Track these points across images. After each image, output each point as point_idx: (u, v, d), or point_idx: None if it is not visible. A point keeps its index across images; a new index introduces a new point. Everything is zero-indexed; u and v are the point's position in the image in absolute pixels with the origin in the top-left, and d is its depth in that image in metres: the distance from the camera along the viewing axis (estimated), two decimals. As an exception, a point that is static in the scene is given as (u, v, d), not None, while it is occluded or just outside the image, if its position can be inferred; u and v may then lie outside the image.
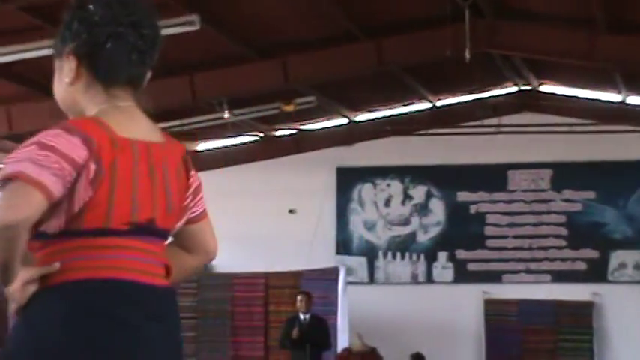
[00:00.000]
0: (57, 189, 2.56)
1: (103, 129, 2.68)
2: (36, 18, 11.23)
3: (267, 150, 18.45)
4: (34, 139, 2.68)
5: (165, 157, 2.79)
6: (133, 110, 2.82)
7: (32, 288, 2.61)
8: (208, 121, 15.63)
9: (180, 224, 2.86)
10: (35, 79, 13.70)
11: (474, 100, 17.24)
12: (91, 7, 2.76)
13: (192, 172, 2.89)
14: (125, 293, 2.66)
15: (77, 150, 2.61)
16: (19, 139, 15.88)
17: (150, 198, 2.71)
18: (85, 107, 2.81)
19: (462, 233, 18.13)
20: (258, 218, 18.51)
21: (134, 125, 2.78)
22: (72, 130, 2.67)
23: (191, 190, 2.87)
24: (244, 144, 18.48)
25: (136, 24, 2.76)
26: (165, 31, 10.06)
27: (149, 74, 2.93)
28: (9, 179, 2.55)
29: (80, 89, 2.82)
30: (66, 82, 2.84)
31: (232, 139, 18.15)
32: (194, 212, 2.92)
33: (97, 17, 2.74)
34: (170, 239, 2.90)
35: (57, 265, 2.61)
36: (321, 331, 14.31)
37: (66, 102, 2.90)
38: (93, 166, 2.61)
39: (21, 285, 2.60)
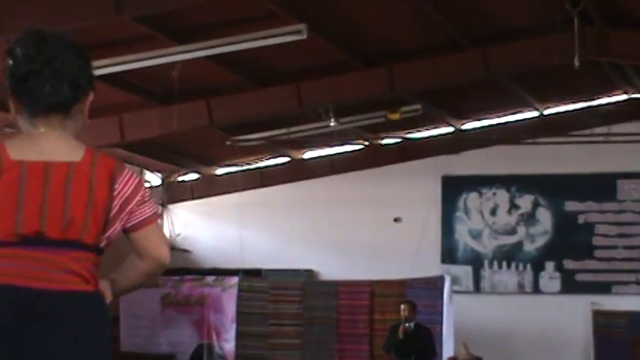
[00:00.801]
0: None
1: None
2: (149, 28, 11.46)
3: (373, 158, 18.47)
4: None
5: (71, 175, 3.08)
6: (45, 135, 3.12)
7: None
8: (314, 129, 15.72)
9: (112, 233, 3.14)
10: (146, 88, 13.98)
11: (582, 108, 17.00)
12: (16, 49, 3.12)
13: (122, 185, 3.14)
14: (3, 297, 3.01)
15: None
16: (130, 147, 16.24)
17: (37, 212, 3.02)
18: (18, 135, 3.19)
19: (570, 243, 17.88)
20: (363, 226, 18.54)
21: (36, 148, 3.10)
22: None
23: (117, 201, 3.12)
24: (350, 152, 18.54)
25: (50, 60, 3.09)
26: (272, 40, 10.15)
27: (87, 96, 3.28)
28: None
29: (19, 120, 3.19)
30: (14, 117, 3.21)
31: (338, 147, 18.21)
32: (131, 221, 3.17)
33: (18, 58, 3.11)
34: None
35: None
36: (425, 339, 14.26)
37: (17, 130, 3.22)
38: None
39: None
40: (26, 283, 3.02)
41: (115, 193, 3.13)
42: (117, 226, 3.14)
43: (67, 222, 3.05)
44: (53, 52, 3.12)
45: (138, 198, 3.18)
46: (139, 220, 3.18)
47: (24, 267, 3.03)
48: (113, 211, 3.11)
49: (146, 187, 3.27)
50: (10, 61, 3.13)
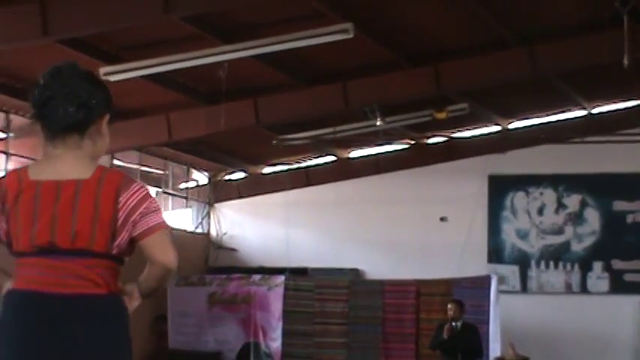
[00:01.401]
0: None
1: (16, 175, 3.53)
2: (196, 27, 11.53)
3: (419, 157, 18.44)
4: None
5: (78, 191, 3.45)
6: (61, 155, 3.51)
7: None
8: (360, 128, 15.72)
9: (120, 242, 3.48)
10: (193, 87, 14.07)
11: (631, 107, 16.85)
12: (40, 81, 3.59)
13: (126, 199, 3.47)
14: (19, 299, 3.46)
15: None
16: (177, 146, 16.36)
17: (49, 225, 3.43)
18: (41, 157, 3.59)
19: (618, 243, 17.74)
20: (409, 226, 18.52)
21: (51, 169, 3.50)
22: None
23: (121, 213, 3.45)
24: (396, 151, 18.52)
25: (62, 87, 3.51)
26: (319, 40, 10.16)
27: (101, 118, 3.59)
28: None
29: (42, 143, 3.58)
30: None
31: (384, 146, 18.20)
32: (136, 230, 3.49)
33: (39, 87, 3.57)
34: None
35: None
36: (472, 338, 14.21)
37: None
38: None
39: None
40: (43, 288, 3.44)
41: (119, 205, 3.45)
42: (124, 235, 3.47)
43: (74, 233, 3.42)
44: (65, 80, 3.52)
45: (141, 209, 3.48)
46: (143, 229, 3.48)
47: (40, 274, 3.45)
48: (119, 222, 3.45)
49: (152, 199, 3.54)
50: (35, 92, 3.58)
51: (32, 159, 14.70)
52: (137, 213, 3.47)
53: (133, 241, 3.51)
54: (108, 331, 3.48)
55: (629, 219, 17.81)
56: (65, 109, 3.48)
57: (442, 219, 18.54)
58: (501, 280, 16.92)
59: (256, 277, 16.92)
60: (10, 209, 3.47)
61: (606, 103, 17.05)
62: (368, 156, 18.78)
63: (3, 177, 3.57)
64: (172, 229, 18.10)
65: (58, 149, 3.51)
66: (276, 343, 16.23)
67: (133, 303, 3.64)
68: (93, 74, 3.64)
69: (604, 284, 17.85)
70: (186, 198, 19.04)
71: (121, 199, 3.45)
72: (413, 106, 15.21)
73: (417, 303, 16.19)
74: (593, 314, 17.62)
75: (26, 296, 3.45)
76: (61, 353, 3.40)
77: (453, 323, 14.08)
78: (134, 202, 3.47)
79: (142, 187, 3.53)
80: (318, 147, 17.98)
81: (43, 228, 3.43)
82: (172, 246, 3.56)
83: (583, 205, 18.11)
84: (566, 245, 18.12)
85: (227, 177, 19.42)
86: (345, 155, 18.83)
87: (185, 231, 18.59)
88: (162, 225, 3.53)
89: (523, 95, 15.91)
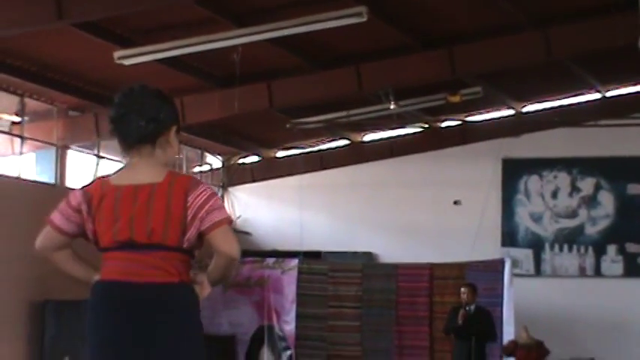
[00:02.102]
0: (65, 225, 4.11)
1: (100, 182, 4.06)
2: (210, 11, 11.54)
3: (433, 141, 18.43)
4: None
5: (152, 193, 3.94)
6: (136, 164, 4.01)
7: None
8: (374, 111, 15.72)
9: (190, 236, 3.94)
10: (207, 71, 14.08)
11: (645, 90, 16.82)
12: (114, 100, 4.08)
13: (193, 198, 3.93)
14: (104, 288, 4.00)
15: (75, 197, 4.05)
16: (191, 129, 16.38)
17: (128, 224, 3.93)
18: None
19: (633, 226, 17.72)
20: (423, 209, 18.54)
21: (129, 175, 4.00)
22: (82, 188, 4.08)
23: (190, 212, 3.92)
24: (410, 135, 18.51)
25: (134, 104, 4.02)
26: (333, 23, 10.15)
27: (169, 130, 4.04)
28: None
29: (120, 152, 4.08)
30: None
31: (398, 129, 18.20)
32: (203, 225, 3.93)
33: (115, 106, 4.06)
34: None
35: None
36: (486, 322, 14.22)
37: None
38: (84, 207, 4.01)
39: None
40: (123, 278, 3.95)
41: (188, 204, 3.92)
42: (193, 231, 3.93)
43: (149, 230, 3.92)
44: (136, 98, 4.04)
45: (207, 207, 3.92)
46: (209, 224, 3.92)
47: (121, 266, 3.96)
48: (188, 219, 3.92)
49: (217, 198, 3.99)
50: (111, 110, 4.07)
51: (47, 142, 14.79)
52: (203, 210, 3.91)
53: (201, 236, 3.95)
54: (180, 314, 3.95)
55: (644, 202, 17.79)
56: (138, 124, 3.97)
57: (456, 202, 18.54)
58: (515, 263, 16.91)
59: (270, 260, 16.94)
60: (95, 212, 4.00)
61: (620, 86, 17.01)
62: (382, 139, 18.78)
63: (89, 184, 4.09)
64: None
65: (134, 158, 4.00)
66: (289, 326, 16.27)
67: (204, 291, 4.05)
68: (161, 92, 4.14)
69: (618, 268, 17.84)
70: (200, 182, 19.07)
71: (189, 198, 3.92)
72: (427, 90, 15.19)
73: (431, 286, 16.20)
74: (607, 297, 17.61)
75: (110, 285, 3.97)
76: (140, 334, 3.90)
77: (467, 308, 14.10)
78: (201, 200, 3.92)
79: (207, 187, 3.99)
80: (332, 131, 17.99)
81: (124, 226, 3.93)
82: (235, 238, 3.97)
83: (597, 188, 18.08)
84: (580, 228, 18.11)
85: (241, 161, 19.45)
86: (359, 139, 18.84)
87: (199, 214, 18.61)
88: (226, 220, 3.95)
89: (537, 78, 15.88)
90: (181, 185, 3.95)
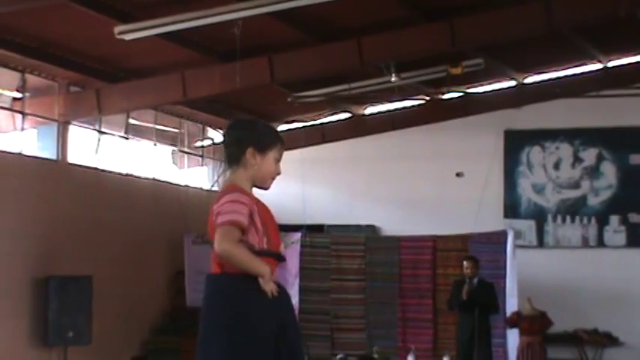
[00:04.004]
0: (245, 222, 4.68)
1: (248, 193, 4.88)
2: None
3: (435, 113, 18.41)
4: (230, 197, 4.78)
5: (214, 201, 4.79)
6: (228, 178, 4.95)
7: None
8: (375, 84, 15.70)
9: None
10: (208, 45, 14.05)
11: (647, 60, 16.77)
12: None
13: (216, 207, 4.73)
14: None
15: (247, 200, 4.76)
16: (192, 104, 16.36)
17: (208, 225, 4.77)
18: (242, 184, 4.91)
19: (635, 196, 17.72)
20: (425, 181, 18.54)
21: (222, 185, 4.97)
22: (245, 192, 4.83)
23: (213, 216, 4.72)
24: (411, 107, 18.49)
25: (229, 135, 5.11)
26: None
27: (246, 152, 4.93)
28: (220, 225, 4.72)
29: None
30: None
31: (399, 102, 18.17)
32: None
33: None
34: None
35: None
36: (489, 294, 14.25)
37: None
38: (255, 207, 4.78)
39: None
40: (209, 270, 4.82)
41: (216, 212, 4.71)
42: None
43: (209, 231, 4.74)
44: (230, 129, 5.08)
45: (217, 212, 4.71)
46: (217, 227, 4.69)
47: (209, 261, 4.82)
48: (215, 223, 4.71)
49: (226, 205, 4.71)
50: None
51: (48, 118, 14.78)
52: (216, 215, 4.70)
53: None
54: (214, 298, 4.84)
55: (646, 172, 17.79)
56: (225, 151, 4.99)
57: (458, 174, 18.54)
58: (518, 234, 16.92)
59: (273, 234, 16.95)
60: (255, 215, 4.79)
61: (622, 57, 16.96)
62: (383, 112, 18.76)
63: (244, 192, 4.87)
64: (188, 187, 18.17)
65: (227, 174, 4.93)
66: (293, 299, 16.28)
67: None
68: (244, 121, 5.28)
69: (621, 238, 17.86)
70: (201, 156, 19.08)
71: (214, 207, 4.73)
72: (428, 62, 15.16)
73: (434, 258, 16.22)
74: (610, 268, 17.64)
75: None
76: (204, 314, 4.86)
77: (470, 282, 14.11)
78: (217, 208, 4.71)
79: (229, 197, 4.74)
80: (334, 104, 17.96)
81: (208, 227, 4.77)
82: (224, 237, 4.59)
83: (599, 159, 18.08)
84: (583, 199, 18.12)
85: (242, 135, 19.41)
86: (361, 112, 18.82)
87: (201, 189, 18.65)
88: (226, 222, 4.62)
89: (538, 49, 15.83)
90: (219, 195, 4.81)
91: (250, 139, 4.92)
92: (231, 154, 4.94)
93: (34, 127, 15.06)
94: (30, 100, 14.61)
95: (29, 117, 14.61)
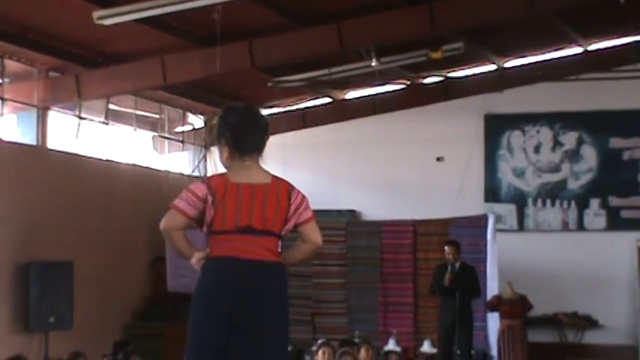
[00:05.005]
0: (189, 210, 5.10)
1: (221, 178, 5.15)
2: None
3: (415, 98, 18.41)
4: (188, 186, 5.18)
5: (266, 191, 5.12)
6: (250, 166, 5.19)
7: (202, 261, 5.15)
8: (356, 69, 15.68)
9: (288, 227, 5.15)
10: (187, 31, 13.99)
11: (627, 43, 16.79)
12: (229, 119, 5.24)
13: (294, 198, 5.17)
14: (226, 263, 5.09)
15: (201, 190, 5.10)
16: (172, 89, 16.31)
17: (248, 213, 5.07)
18: (230, 167, 5.20)
19: (615, 180, 17.79)
20: (406, 166, 18.55)
21: (246, 175, 5.15)
22: (204, 181, 5.16)
23: (292, 207, 5.15)
24: (392, 92, 18.47)
25: (254, 122, 5.28)
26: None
27: (267, 141, 5.29)
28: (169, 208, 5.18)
29: (229, 159, 5.22)
30: (223, 158, 5.24)
31: (380, 87, 18.16)
32: (299, 220, 5.18)
33: (236, 124, 5.21)
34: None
35: (207, 249, 5.15)
36: (470, 278, 14.31)
37: (224, 165, 5.25)
38: (210, 198, 5.06)
39: (197, 260, 5.15)
40: (241, 255, 5.06)
41: (291, 202, 5.14)
42: (291, 222, 5.15)
43: (265, 219, 5.08)
44: (254, 116, 5.32)
45: (303, 205, 5.19)
46: (304, 218, 5.18)
47: (239, 246, 5.06)
48: (289, 213, 5.13)
49: (305, 197, 5.21)
50: (228, 126, 5.20)
51: (28, 104, 14.70)
52: (301, 207, 5.16)
53: (295, 227, 5.16)
54: (280, 285, 5.15)
55: (626, 156, 17.83)
56: (260, 136, 5.23)
57: (439, 159, 18.56)
58: (498, 218, 16.98)
59: (254, 219, 16.93)
60: (219, 202, 5.05)
61: (603, 40, 16.99)
62: (364, 97, 18.74)
63: (210, 180, 5.16)
64: (169, 173, 18.14)
65: (247, 162, 5.16)
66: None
67: None
68: (262, 113, 5.42)
69: (601, 221, 17.93)
70: (182, 142, 19.02)
71: (292, 197, 5.15)
72: (408, 46, 15.14)
73: (415, 243, 16.27)
74: (590, 251, 17.71)
75: (229, 260, 5.06)
76: (254, 298, 5.02)
77: (452, 268, 14.15)
78: (299, 200, 5.17)
79: (299, 190, 5.22)
80: (314, 89, 17.94)
81: (245, 215, 5.05)
82: (319, 230, 5.21)
83: (579, 142, 18.13)
84: (563, 183, 18.17)
85: (223, 120, 19.37)
86: (341, 96, 18.80)
87: (182, 174, 18.61)
88: (314, 217, 5.22)
89: (519, 33, 15.84)
90: (285, 186, 5.19)
91: (269, 128, 5.36)
92: (263, 142, 5.29)
93: (14, 113, 14.99)
94: (9, 86, 14.53)
95: (8, 102, 14.53)
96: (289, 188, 5.19)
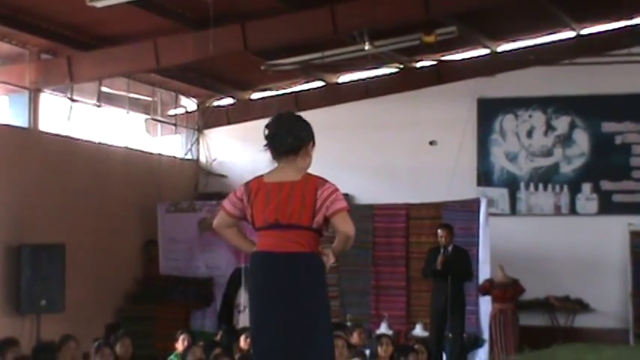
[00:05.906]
0: (232, 210, 5.67)
1: (258, 179, 5.66)
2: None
3: (408, 81, 18.39)
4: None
5: (292, 187, 5.52)
6: (284, 167, 5.62)
7: None
8: (349, 52, 15.66)
9: (318, 219, 5.51)
10: (180, 13, 13.96)
11: (620, 28, 16.79)
12: (266, 126, 5.72)
13: (321, 192, 5.49)
14: (261, 256, 5.60)
15: (240, 190, 5.68)
16: (166, 72, 16.27)
17: (274, 209, 5.50)
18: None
19: (607, 164, 17.81)
20: (399, 150, 18.55)
21: (277, 175, 5.61)
22: (245, 184, 5.70)
23: (319, 202, 5.49)
24: (385, 76, 18.46)
25: (283, 126, 5.65)
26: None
27: (307, 144, 5.68)
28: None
29: (272, 161, 5.68)
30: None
31: (373, 70, 18.14)
32: (328, 212, 5.50)
33: (269, 128, 5.69)
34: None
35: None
36: (463, 262, 14.33)
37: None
38: (245, 197, 5.61)
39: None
40: (272, 249, 5.52)
41: (317, 196, 5.48)
42: (320, 215, 5.49)
43: (289, 214, 5.47)
44: (284, 122, 5.68)
45: (331, 198, 5.49)
46: (332, 211, 5.49)
47: (271, 240, 5.52)
48: (317, 207, 5.47)
49: (338, 192, 5.52)
50: (265, 133, 5.67)
51: (20, 86, 14.67)
52: (329, 200, 5.47)
53: (326, 220, 5.50)
54: (312, 274, 5.55)
55: (618, 140, 17.85)
56: (286, 141, 5.58)
57: (431, 143, 18.56)
58: (491, 202, 16.98)
59: (247, 202, 16.92)
60: (252, 201, 5.56)
61: (595, 24, 16.99)
62: (357, 80, 18.73)
63: (251, 181, 5.65)
64: (161, 155, 18.12)
65: (282, 163, 5.62)
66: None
67: (330, 260, 5.65)
68: (300, 116, 5.73)
69: (593, 205, 17.95)
70: (175, 125, 19.00)
71: (318, 192, 5.48)
72: (402, 30, 15.12)
73: (407, 226, 16.26)
74: (582, 235, 17.74)
75: (263, 254, 5.55)
76: (287, 288, 5.47)
77: (445, 251, 14.17)
78: (326, 193, 5.48)
79: (332, 184, 5.54)
80: (307, 72, 17.92)
81: (271, 211, 5.49)
82: (351, 221, 5.54)
83: (572, 126, 18.13)
84: (555, 167, 18.18)
85: (216, 103, 19.37)
86: (334, 80, 18.78)
87: (174, 157, 18.59)
88: (344, 208, 5.53)
89: (512, 17, 15.83)
90: (313, 183, 5.52)
91: (310, 133, 5.69)
92: (295, 145, 5.58)
93: (5, 95, 14.95)
94: (0, 68, 14.49)
95: (0, 85, 14.49)
96: (318, 183, 5.52)
